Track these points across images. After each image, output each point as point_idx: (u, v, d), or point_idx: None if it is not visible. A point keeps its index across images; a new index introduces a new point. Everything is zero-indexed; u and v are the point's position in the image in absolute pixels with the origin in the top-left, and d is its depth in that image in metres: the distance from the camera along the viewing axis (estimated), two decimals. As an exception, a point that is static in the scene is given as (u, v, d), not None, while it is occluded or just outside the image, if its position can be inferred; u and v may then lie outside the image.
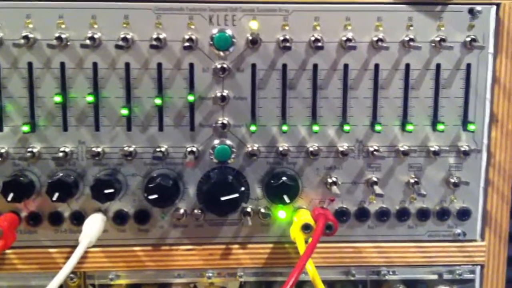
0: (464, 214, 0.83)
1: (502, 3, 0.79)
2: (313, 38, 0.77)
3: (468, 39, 0.78)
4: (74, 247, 0.75)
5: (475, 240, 0.84)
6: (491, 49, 0.80)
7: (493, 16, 0.79)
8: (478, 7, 0.78)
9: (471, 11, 0.78)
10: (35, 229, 0.80)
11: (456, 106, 0.80)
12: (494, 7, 0.79)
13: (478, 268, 0.85)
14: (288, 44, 0.76)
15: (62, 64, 0.76)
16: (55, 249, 0.81)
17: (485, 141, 0.82)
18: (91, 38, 0.75)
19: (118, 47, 0.74)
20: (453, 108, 0.80)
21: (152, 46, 0.75)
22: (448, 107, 0.80)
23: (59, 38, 0.75)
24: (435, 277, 0.85)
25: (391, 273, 0.85)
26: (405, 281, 0.85)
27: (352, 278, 0.85)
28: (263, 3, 0.77)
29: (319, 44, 0.76)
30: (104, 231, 0.79)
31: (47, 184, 0.76)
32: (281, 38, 0.76)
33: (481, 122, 0.81)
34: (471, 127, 0.80)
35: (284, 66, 0.78)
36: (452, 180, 0.81)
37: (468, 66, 0.80)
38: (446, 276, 0.85)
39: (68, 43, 0.76)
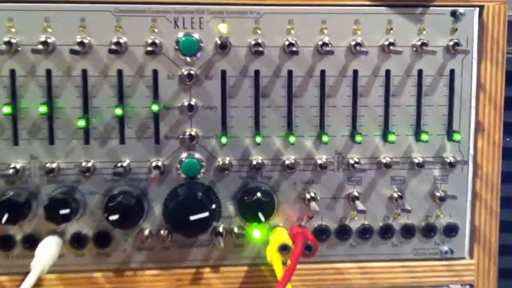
0: (451, 230, 0.80)
1: (486, 5, 0.77)
2: (287, 43, 0.74)
3: (451, 43, 0.76)
4: (27, 274, 0.71)
5: (463, 258, 0.81)
6: (475, 54, 0.78)
7: (477, 19, 0.77)
8: (461, 10, 0.76)
9: (453, 14, 0.76)
10: (-18, 254, 0.75)
11: (440, 115, 0.78)
12: (477, 9, 0.77)
13: None
14: (260, 49, 0.73)
15: (12, 72, 0.72)
16: (5, 277, 0.76)
17: (471, 151, 0.79)
18: (44, 43, 0.71)
19: (73, 52, 0.70)
20: (436, 117, 0.78)
21: (111, 51, 0.71)
22: (432, 116, 0.78)
23: (8, 43, 0.71)
24: (422, 298, 0.83)
25: (375, 295, 0.81)
26: (390, 303, 0.82)
27: (334, 302, 0.81)
28: (233, 5, 0.73)
29: (294, 48, 0.73)
30: (60, 256, 0.74)
31: (-5, 204, 0.71)
32: (253, 42, 0.73)
33: (466, 131, 0.79)
34: (456, 136, 0.77)
35: (257, 72, 0.75)
36: (438, 194, 0.78)
37: (452, 72, 0.77)
38: (434, 297, 0.83)
39: (19, 48, 0.71)
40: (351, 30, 0.75)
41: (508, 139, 0.92)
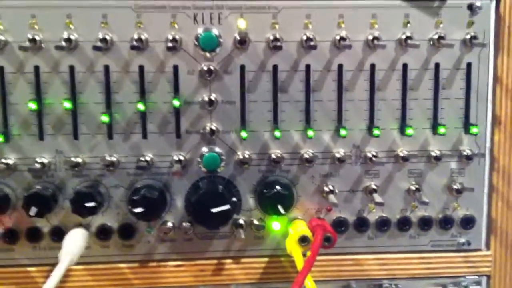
0: (468, 222, 0.76)
1: (502, -2, 0.73)
2: (305, 37, 0.70)
3: (468, 36, 0.72)
4: (54, 265, 0.68)
5: (480, 250, 0.77)
6: (492, 47, 0.73)
7: (493, 12, 0.72)
8: (478, 3, 0.72)
9: (470, 7, 0.72)
10: (11, 246, 0.72)
11: (457, 108, 0.74)
12: (494, 2, 0.73)
13: (484, 279, 0.78)
14: (278, 44, 0.69)
15: (36, 68, 0.69)
16: (33, 268, 0.73)
17: (488, 144, 0.75)
18: (67, 40, 0.67)
19: (96, 48, 0.67)
20: (453, 110, 0.74)
21: (133, 47, 0.68)
22: (449, 109, 0.74)
23: (32, 40, 0.67)
24: (439, 289, 0.81)
25: (393, 286, 0.77)
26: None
27: (352, 292, 0.77)
28: (251, 0, 0.70)
29: (312, 43, 0.70)
30: (86, 248, 0.71)
31: (23, 198, 0.68)
32: (271, 37, 0.70)
33: (483, 124, 0.75)
34: (473, 130, 0.73)
35: (275, 67, 0.71)
36: (455, 187, 0.75)
37: (469, 65, 0.73)
38: (451, 288, 0.81)
39: (42, 45, 0.68)
40: (368, 24, 0.71)
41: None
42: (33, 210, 0.67)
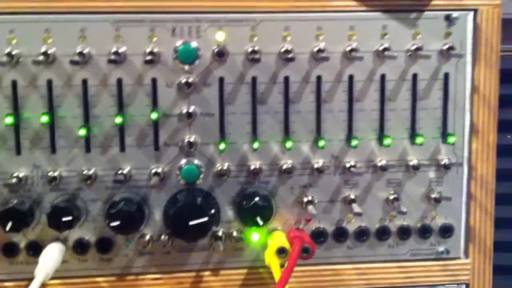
0: (446, 231, 0.83)
1: (480, 9, 0.79)
2: (283, 49, 0.76)
3: (445, 47, 0.78)
4: (31, 280, 0.72)
5: (458, 258, 0.84)
6: (469, 57, 0.80)
7: (471, 23, 0.79)
8: (455, 14, 0.78)
9: (447, 18, 0.78)
10: (-13, 262, 0.77)
11: (435, 118, 0.80)
12: (471, 13, 0.79)
13: (463, 287, 0.85)
14: (257, 56, 0.75)
15: (14, 82, 0.74)
16: (10, 283, 0.78)
17: (466, 153, 0.82)
18: (45, 54, 0.73)
19: (73, 63, 0.72)
20: (431, 120, 0.80)
21: (111, 61, 0.73)
22: (427, 119, 0.80)
23: (9, 55, 0.72)
24: (418, 298, 0.85)
25: (372, 295, 0.83)
26: (387, 303, 0.84)
27: (331, 303, 0.83)
28: (230, 13, 0.76)
29: (290, 55, 0.76)
30: (63, 262, 0.77)
31: (-1, 213, 0.73)
32: (250, 49, 0.76)
33: (461, 134, 0.81)
34: (451, 139, 0.80)
35: (254, 79, 0.77)
36: (433, 196, 0.81)
37: (446, 75, 0.80)
38: (430, 297, 0.86)
39: (20, 60, 0.73)
40: (346, 36, 0.77)
41: (509, 137, 0.97)
42: (8, 225, 0.72)
